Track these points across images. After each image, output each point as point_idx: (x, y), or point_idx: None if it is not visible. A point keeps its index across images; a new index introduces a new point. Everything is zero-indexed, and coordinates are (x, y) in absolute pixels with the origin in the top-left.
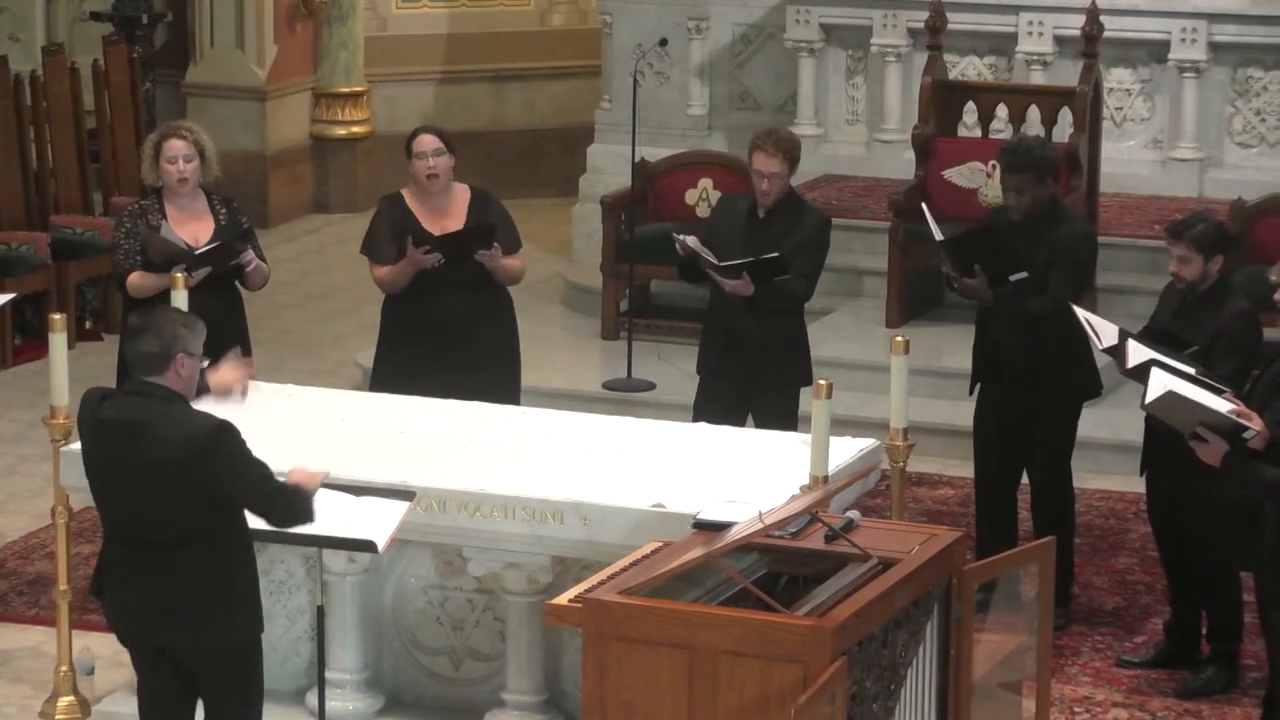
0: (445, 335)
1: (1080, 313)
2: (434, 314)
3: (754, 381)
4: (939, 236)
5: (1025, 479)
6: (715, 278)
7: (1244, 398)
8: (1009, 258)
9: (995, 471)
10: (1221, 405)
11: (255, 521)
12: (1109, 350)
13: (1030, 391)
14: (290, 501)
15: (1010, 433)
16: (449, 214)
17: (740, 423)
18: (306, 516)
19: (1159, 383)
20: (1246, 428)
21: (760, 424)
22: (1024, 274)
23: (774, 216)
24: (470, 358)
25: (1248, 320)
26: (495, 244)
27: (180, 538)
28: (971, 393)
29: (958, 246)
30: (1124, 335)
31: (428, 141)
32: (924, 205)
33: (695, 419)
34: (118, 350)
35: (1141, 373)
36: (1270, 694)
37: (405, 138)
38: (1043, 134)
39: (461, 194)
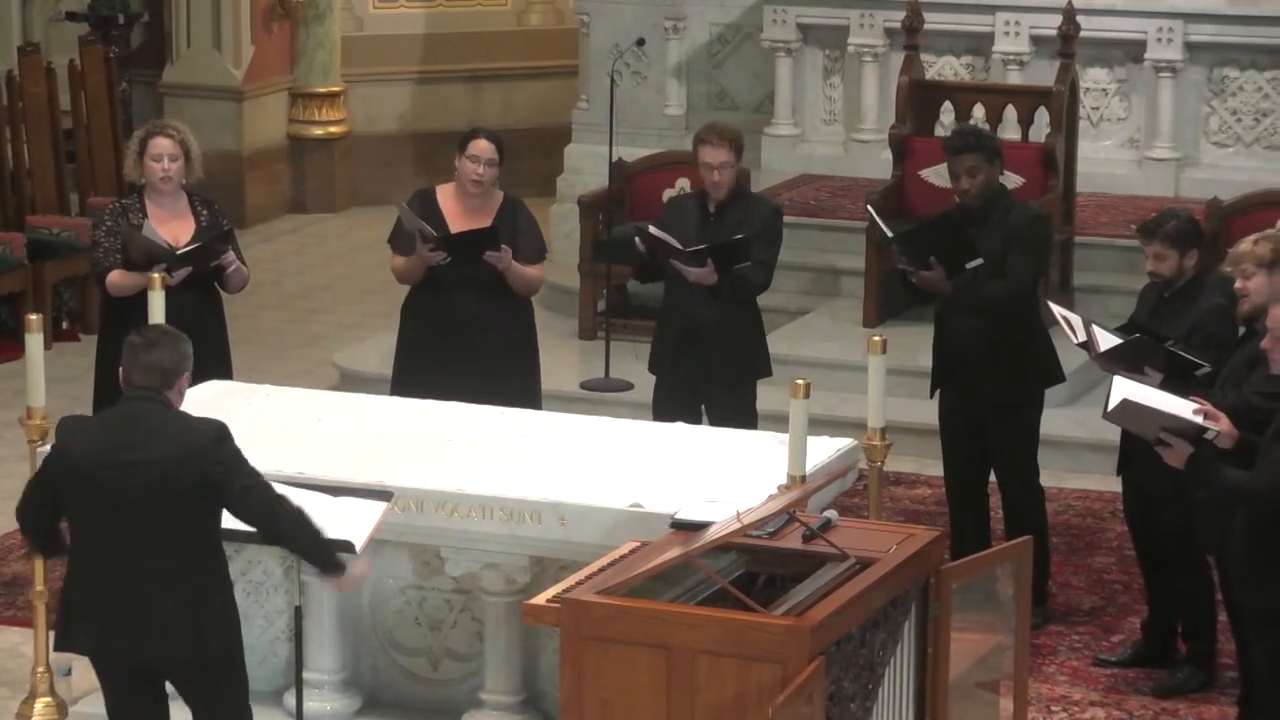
0: (457, 335)
1: (1055, 309)
2: (445, 312)
3: (709, 375)
4: (889, 233)
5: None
6: (679, 266)
7: (1216, 388)
8: (962, 246)
9: (964, 469)
10: (1185, 408)
11: (234, 524)
12: (1084, 345)
13: (991, 382)
14: (285, 512)
15: (976, 430)
16: (478, 217)
17: (696, 416)
18: (296, 538)
19: (1118, 391)
20: (1207, 430)
21: (715, 418)
22: (979, 260)
23: (726, 210)
24: (484, 361)
25: (1222, 315)
26: (504, 246)
27: (173, 543)
28: (932, 395)
29: (910, 240)
30: (1087, 323)
31: (484, 148)
32: (869, 206)
33: (656, 418)
34: (96, 350)
35: (1115, 357)
36: (1245, 693)
37: (461, 135)
38: (1020, 134)
39: (495, 199)
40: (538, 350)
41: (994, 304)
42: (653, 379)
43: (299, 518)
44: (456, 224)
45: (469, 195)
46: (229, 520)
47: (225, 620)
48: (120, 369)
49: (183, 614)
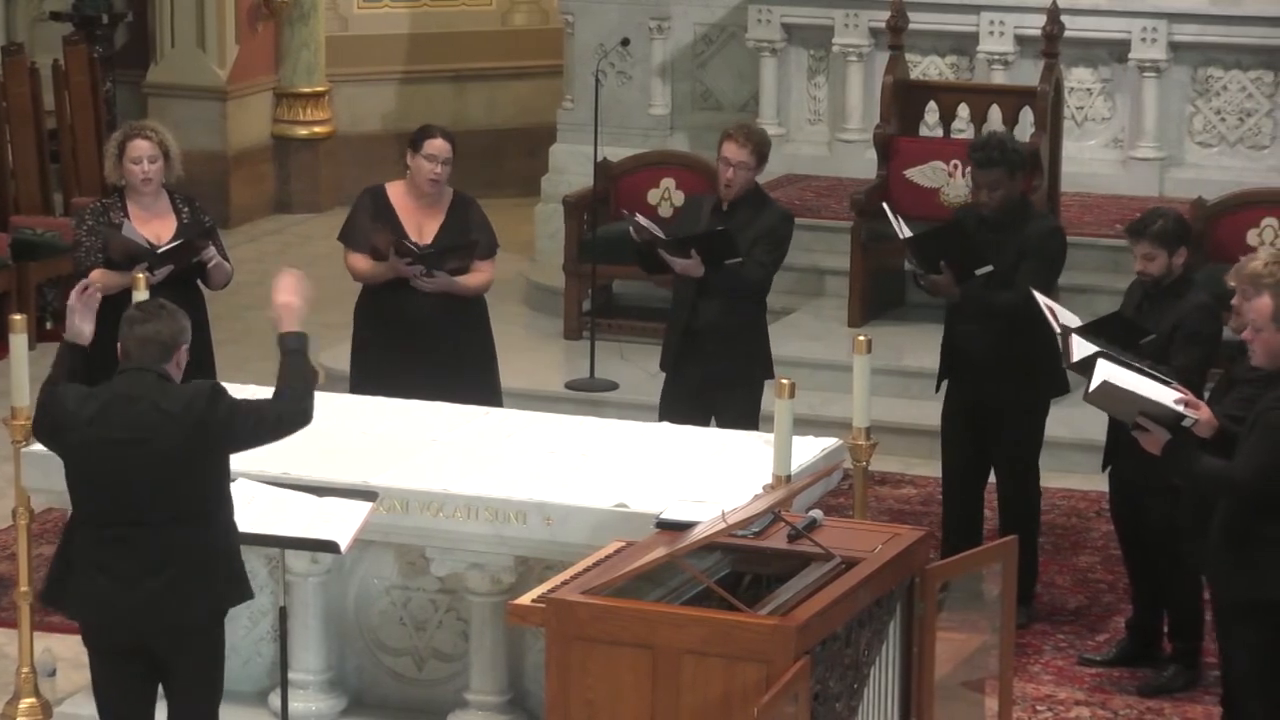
0: (414, 334)
1: (1040, 298)
2: (401, 313)
3: (713, 377)
4: (904, 234)
5: (992, 477)
6: (665, 257)
7: (1202, 392)
8: (973, 253)
9: (963, 469)
10: (1166, 395)
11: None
12: (1063, 334)
13: (998, 388)
14: (291, 406)
15: (978, 430)
16: (431, 215)
17: (704, 419)
18: (307, 405)
19: (1100, 374)
20: (1185, 416)
21: (721, 421)
22: (989, 268)
23: (736, 209)
24: (444, 360)
25: (1207, 313)
26: (438, 272)
27: (175, 515)
28: (938, 389)
29: (922, 243)
30: (1066, 330)
31: (441, 147)
32: (885, 204)
33: (661, 417)
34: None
35: (1084, 367)
36: (1228, 692)
37: (413, 133)
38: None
39: (446, 196)
40: (494, 347)
41: (1000, 314)
42: (640, 379)
43: (291, 402)
44: (409, 219)
45: (423, 193)
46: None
47: (224, 590)
48: (118, 344)
49: (181, 582)
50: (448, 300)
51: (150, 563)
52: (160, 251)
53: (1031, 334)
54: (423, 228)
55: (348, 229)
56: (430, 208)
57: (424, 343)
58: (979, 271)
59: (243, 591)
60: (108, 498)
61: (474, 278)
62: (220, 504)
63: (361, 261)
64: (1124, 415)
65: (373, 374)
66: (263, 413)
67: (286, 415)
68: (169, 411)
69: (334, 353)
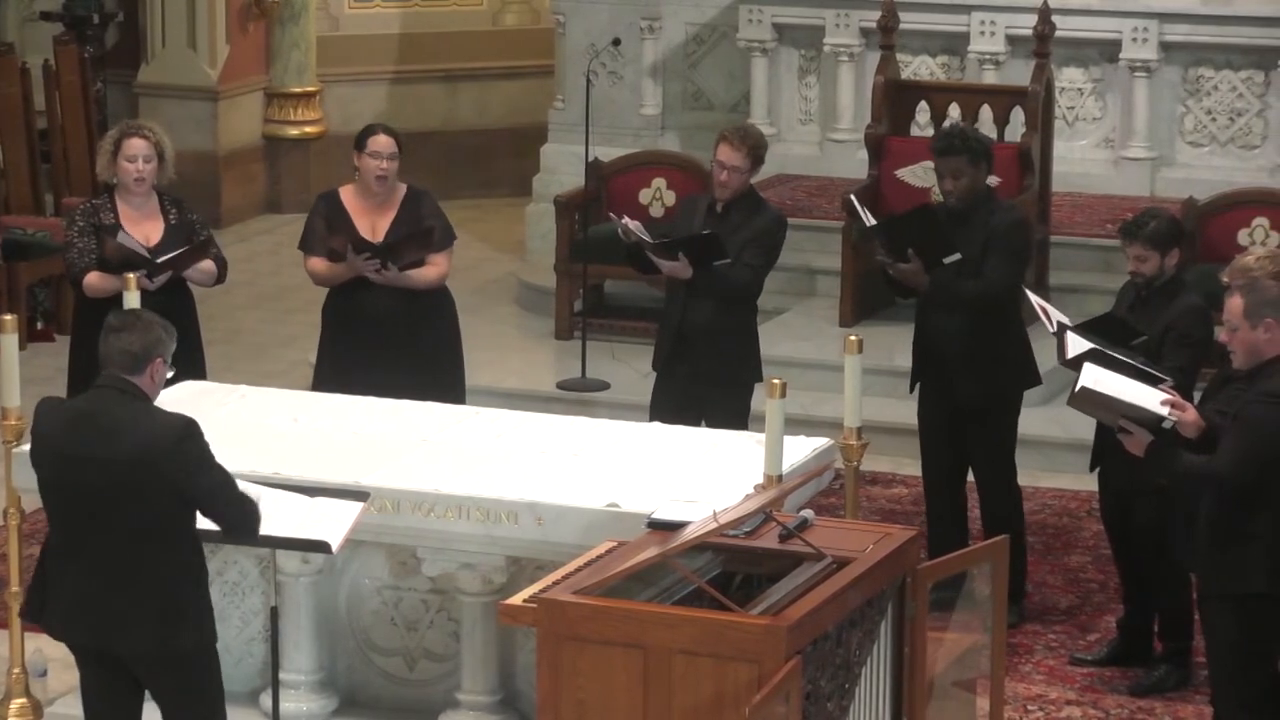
0: (380, 332)
1: (1033, 298)
2: (367, 310)
3: (702, 378)
4: (869, 223)
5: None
6: (654, 259)
7: (1193, 394)
8: (940, 240)
9: (942, 468)
10: (1151, 397)
11: (206, 523)
12: (1058, 334)
13: (970, 385)
14: (248, 512)
15: (954, 428)
16: (383, 213)
17: (694, 420)
18: (255, 529)
19: (1082, 379)
20: (1165, 418)
21: (710, 422)
22: (957, 255)
23: (731, 211)
24: (409, 356)
25: (1198, 315)
26: (391, 265)
27: (139, 538)
28: (912, 390)
29: (889, 231)
30: (1063, 327)
31: (385, 143)
32: (852, 196)
33: (651, 417)
34: (70, 350)
35: (1076, 365)
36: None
37: (357, 133)
38: (995, 133)
39: (398, 192)
40: (460, 342)
41: (967, 302)
42: (631, 379)
43: (254, 519)
44: (363, 219)
45: (374, 192)
46: (206, 520)
47: (194, 616)
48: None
49: (147, 608)
50: (410, 296)
51: (102, 583)
52: (159, 261)
53: (999, 328)
54: (376, 226)
55: (305, 235)
56: (382, 206)
57: (388, 339)
58: (947, 260)
59: (188, 630)
60: (66, 512)
61: (428, 271)
62: (179, 539)
63: (319, 264)
64: (1106, 419)
65: (337, 372)
66: (231, 485)
67: (246, 511)
68: (129, 436)
69: None
